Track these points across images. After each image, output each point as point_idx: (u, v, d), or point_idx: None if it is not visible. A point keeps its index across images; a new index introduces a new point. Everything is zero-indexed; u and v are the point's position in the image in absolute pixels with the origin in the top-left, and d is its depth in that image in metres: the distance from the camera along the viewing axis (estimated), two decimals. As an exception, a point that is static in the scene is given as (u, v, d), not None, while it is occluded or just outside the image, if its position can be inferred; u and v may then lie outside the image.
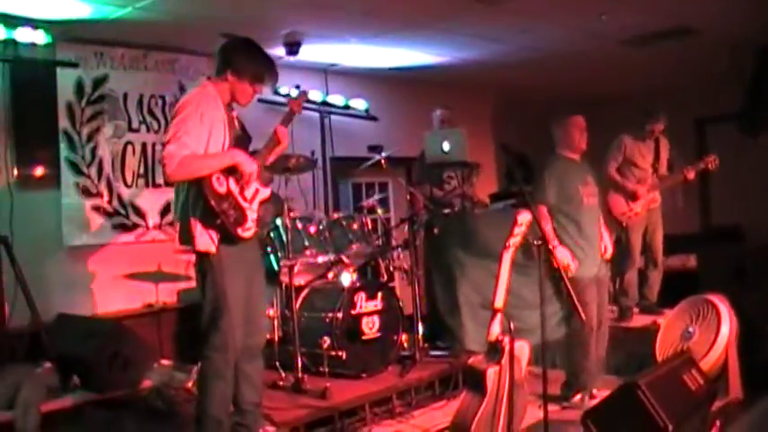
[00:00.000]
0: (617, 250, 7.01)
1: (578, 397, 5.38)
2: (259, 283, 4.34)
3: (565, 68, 8.52)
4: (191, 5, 5.64)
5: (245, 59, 4.13)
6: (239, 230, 3.98)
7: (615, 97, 9.71)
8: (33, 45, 5.73)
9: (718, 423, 4.53)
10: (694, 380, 4.50)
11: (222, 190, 3.95)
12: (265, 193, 4.25)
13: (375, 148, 7.53)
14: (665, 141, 7.05)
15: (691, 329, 5.48)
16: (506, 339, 3.79)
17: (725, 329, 5.33)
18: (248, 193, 4.11)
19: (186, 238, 3.99)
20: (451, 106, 7.38)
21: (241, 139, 4.21)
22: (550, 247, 4.98)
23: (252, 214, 4.10)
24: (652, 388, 4.05)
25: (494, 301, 3.87)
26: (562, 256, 5.13)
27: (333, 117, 8.20)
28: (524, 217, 3.87)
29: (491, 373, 3.80)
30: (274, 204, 5.72)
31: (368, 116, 8.37)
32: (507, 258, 3.89)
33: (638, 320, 6.95)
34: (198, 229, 3.92)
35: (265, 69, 4.22)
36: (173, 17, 5.81)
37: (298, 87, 4.42)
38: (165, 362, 5.97)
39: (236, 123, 4.26)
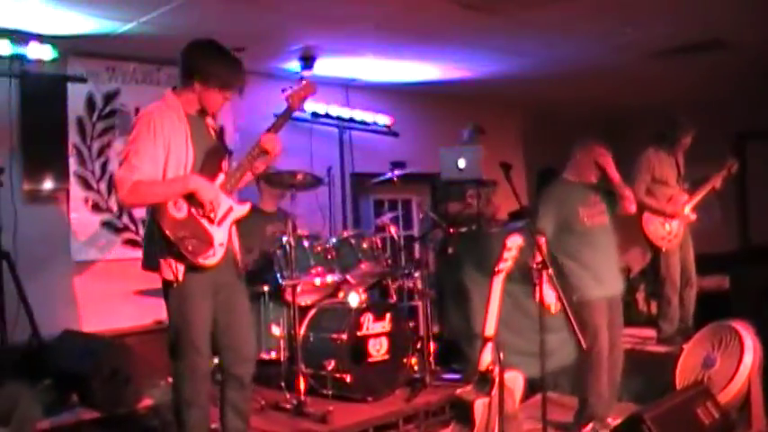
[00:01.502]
0: (654, 272, 6.84)
1: (589, 427, 5.14)
2: (239, 308, 4.05)
3: (593, 83, 8.31)
4: (198, 20, 5.54)
5: (209, 65, 3.82)
6: (199, 259, 3.69)
7: (647, 111, 9.43)
8: (42, 60, 5.70)
9: (734, 459, 4.27)
10: (708, 413, 4.29)
11: (180, 215, 3.69)
12: (241, 210, 3.96)
13: (398, 165, 7.44)
14: (682, 157, 6.77)
15: (712, 357, 5.23)
16: (496, 370, 3.59)
17: (748, 359, 5.08)
18: (216, 214, 3.82)
19: (151, 263, 3.78)
20: (485, 130, 7.19)
21: (214, 152, 3.91)
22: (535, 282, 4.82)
23: (220, 237, 3.81)
24: (658, 422, 3.88)
25: (484, 328, 3.69)
26: (546, 294, 4.87)
27: (354, 133, 8.11)
28: (514, 241, 3.70)
29: (479, 404, 3.62)
30: (282, 221, 5.63)
31: (389, 131, 8.24)
32: (498, 284, 3.73)
33: (664, 345, 6.67)
34: (160, 255, 3.69)
35: (232, 73, 3.90)
36: (180, 32, 5.71)
37: (302, 78, 4.08)
38: (171, 380, 5.89)
39: (212, 132, 4.00)
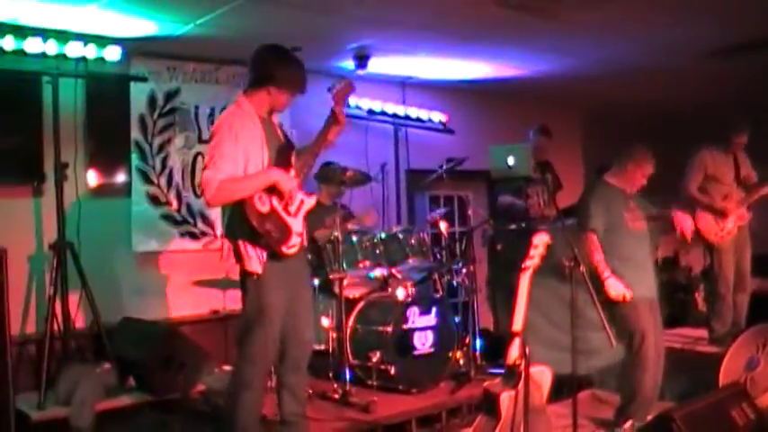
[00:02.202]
0: (708, 273, 6.78)
1: (628, 424, 5.15)
2: (305, 295, 4.33)
3: (647, 82, 8.25)
4: (253, 21, 5.74)
5: (285, 72, 4.08)
6: (284, 248, 3.99)
7: (705, 111, 9.29)
8: (107, 61, 5.96)
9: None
10: (743, 414, 4.25)
11: (265, 209, 3.95)
12: (310, 202, 4.21)
13: (454, 160, 7.51)
14: (744, 155, 6.68)
15: (756, 359, 5.20)
16: (522, 364, 3.66)
17: (791, 361, 5.04)
18: (292, 207, 4.08)
19: (237, 257, 4.04)
20: (550, 131, 7.21)
21: (283, 150, 4.17)
22: (603, 277, 4.92)
23: (297, 228, 4.08)
24: (689, 421, 3.87)
25: (511, 323, 3.76)
26: (615, 286, 4.96)
27: (410, 130, 8.23)
28: (541, 238, 3.76)
29: (505, 397, 3.70)
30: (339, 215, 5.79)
31: (444, 129, 8.32)
32: (525, 281, 3.79)
33: (714, 346, 6.60)
34: (245, 250, 3.96)
35: (303, 78, 4.16)
36: (237, 32, 5.96)
37: (342, 77, 4.28)
38: (226, 367, 6.11)
39: (279, 132, 4.25)
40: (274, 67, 4.08)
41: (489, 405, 3.77)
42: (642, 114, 9.30)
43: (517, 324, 3.74)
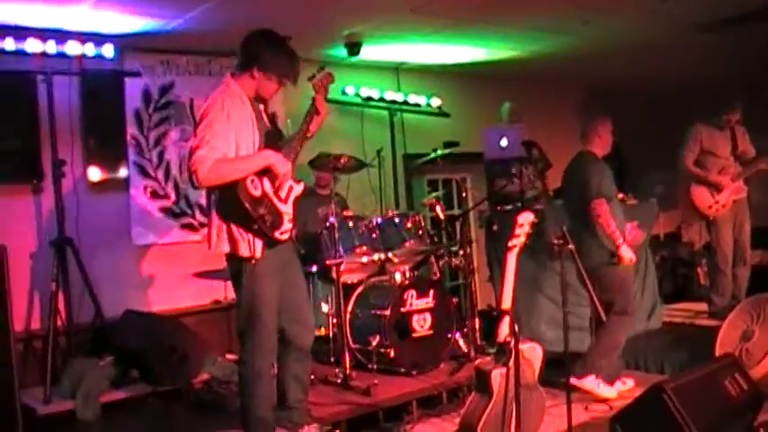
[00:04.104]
0: (709, 247, 6.84)
1: (591, 377, 5.30)
2: (299, 282, 4.33)
3: (643, 59, 8.26)
4: (244, 11, 5.77)
5: (271, 56, 4.00)
6: (276, 234, 3.93)
7: (702, 86, 9.29)
8: (101, 58, 6.02)
9: (761, 432, 4.26)
10: (736, 385, 4.23)
11: (257, 193, 3.87)
12: (299, 189, 4.16)
13: (451, 144, 7.56)
14: (742, 129, 6.70)
15: (751, 330, 5.22)
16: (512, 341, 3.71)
17: (786, 331, 5.06)
18: (283, 192, 4.04)
19: (223, 243, 3.95)
20: (517, 99, 7.28)
21: (271, 135, 4.14)
22: (617, 244, 5.12)
23: (288, 214, 4.04)
24: (680, 392, 3.88)
25: (500, 301, 3.81)
26: (627, 252, 5.17)
27: (406, 115, 8.26)
28: (525, 217, 3.80)
29: (496, 374, 3.75)
30: (335, 203, 5.84)
31: (440, 112, 8.35)
32: (512, 260, 3.83)
33: (713, 320, 6.64)
34: (239, 234, 3.90)
35: (291, 65, 4.09)
36: (228, 24, 5.97)
37: (323, 68, 4.30)
38: (230, 356, 6.20)
39: (265, 117, 4.20)
40: (260, 50, 4.01)
41: (481, 383, 3.82)
42: (639, 91, 9.31)
43: (506, 302, 3.79)
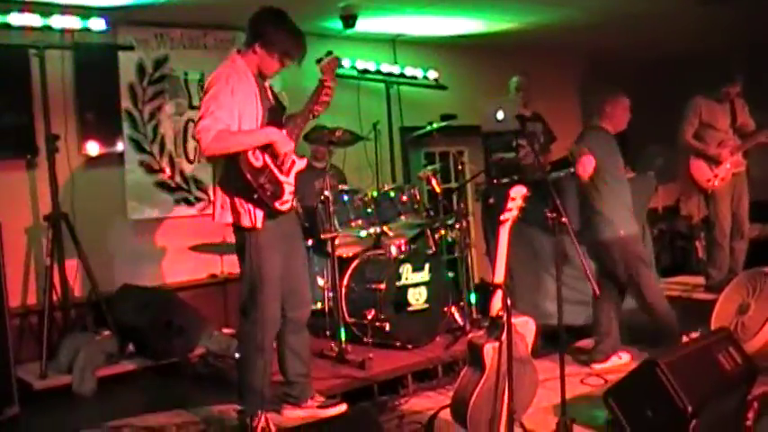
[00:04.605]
0: (706, 220, 6.82)
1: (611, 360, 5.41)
2: (299, 255, 4.37)
3: (643, 31, 8.19)
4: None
5: (274, 33, 4.06)
6: (277, 204, 3.99)
7: (702, 59, 9.22)
8: (93, 31, 5.95)
9: (755, 405, 4.24)
10: (731, 359, 4.22)
11: (258, 164, 3.95)
12: (301, 164, 4.21)
13: (449, 117, 7.50)
14: (742, 102, 6.65)
15: (746, 303, 5.21)
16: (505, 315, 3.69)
17: (781, 304, 5.05)
18: (285, 167, 4.09)
19: (226, 214, 4.03)
20: (529, 72, 7.23)
21: (275, 111, 4.17)
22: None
23: (289, 187, 4.09)
24: (674, 366, 3.87)
25: (494, 275, 3.79)
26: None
27: (403, 87, 8.20)
28: (518, 191, 3.78)
29: (489, 348, 3.73)
30: (332, 177, 5.83)
31: (437, 85, 8.29)
32: (504, 233, 3.81)
33: (710, 293, 6.63)
34: (241, 205, 3.96)
35: (294, 44, 4.13)
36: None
37: (330, 53, 4.30)
38: (226, 330, 6.21)
39: (270, 94, 4.24)
40: (264, 27, 4.08)
41: (474, 356, 3.81)
42: (640, 63, 9.23)
43: (499, 276, 3.77)
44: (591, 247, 5.39)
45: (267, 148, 4.01)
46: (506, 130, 6.51)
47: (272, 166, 4.02)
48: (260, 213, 3.97)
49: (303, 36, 4.18)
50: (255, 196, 3.91)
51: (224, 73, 4.02)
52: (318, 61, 4.28)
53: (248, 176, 3.88)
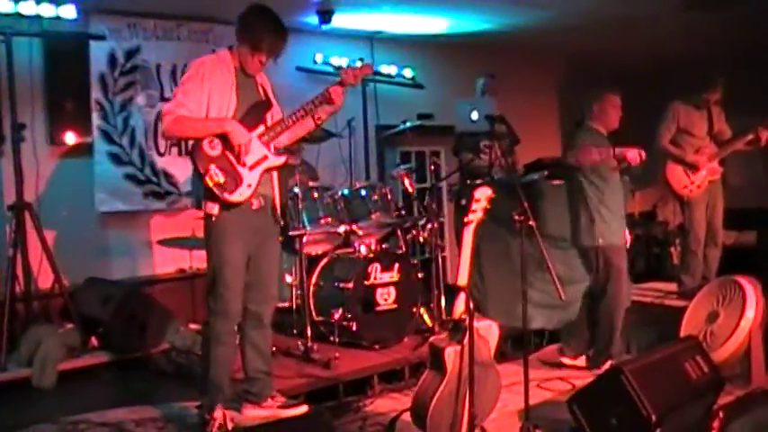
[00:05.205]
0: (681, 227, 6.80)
1: (608, 364, 5.23)
2: (271, 253, 4.33)
3: (624, 35, 8.16)
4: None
5: (245, 28, 4.10)
6: (225, 195, 3.94)
7: (684, 64, 9.22)
8: (64, 19, 5.86)
9: (721, 415, 4.21)
10: (697, 367, 4.19)
11: (214, 153, 3.95)
12: (275, 161, 4.18)
13: (426, 116, 7.46)
14: (718, 110, 6.63)
15: (716, 312, 5.20)
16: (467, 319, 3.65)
17: (750, 313, 5.04)
18: (249, 158, 4.04)
19: (197, 201, 4.14)
20: (494, 74, 7.19)
21: (259, 105, 4.17)
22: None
23: (249, 179, 4.04)
24: (638, 374, 3.83)
25: (457, 277, 3.75)
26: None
27: (380, 85, 8.14)
28: (483, 192, 3.74)
29: (450, 352, 3.69)
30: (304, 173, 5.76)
31: (414, 84, 8.24)
32: (468, 235, 3.76)
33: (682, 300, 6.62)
34: (202, 193, 3.99)
35: (264, 38, 4.08)
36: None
37: (362, 60, 4.30)
38: (193, 326, 6.13)
39: (260, 90, 4.24)
40: (240, 23, 4.13)
41: (435, 360, 3.77)
42: (620, 66, 9.20)
43: (462, 278, 3.72)
44: (580, 251, 5.46)
45: (227, 139, 4.00)
46: (480, 131, 6.47)
47: (231, 157, 4.01)
48: (215, 205, 3.98)
49: (279, 32, 4.14)
50: (205, 185, 3.93)
51: (198, 62, 4.13)
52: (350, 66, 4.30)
53: (198, 164, 3.94)
